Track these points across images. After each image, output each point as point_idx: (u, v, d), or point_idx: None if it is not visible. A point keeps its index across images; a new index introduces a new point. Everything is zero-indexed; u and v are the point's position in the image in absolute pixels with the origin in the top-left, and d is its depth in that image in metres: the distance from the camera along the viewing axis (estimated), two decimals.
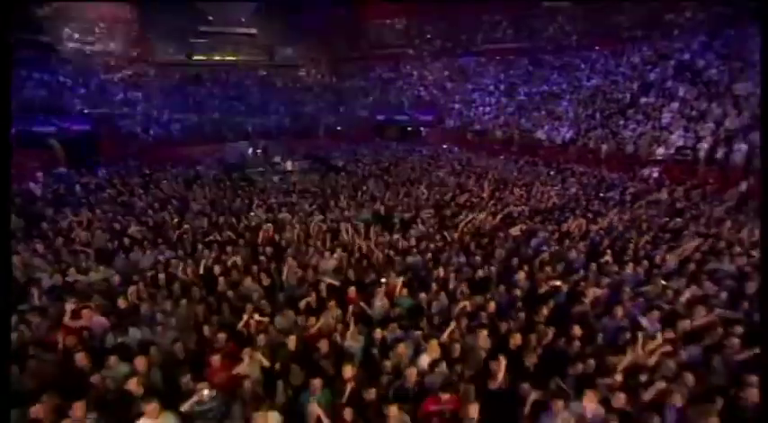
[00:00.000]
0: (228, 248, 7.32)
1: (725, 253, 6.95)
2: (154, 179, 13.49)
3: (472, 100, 29.11)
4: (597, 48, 27.31)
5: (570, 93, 24.19)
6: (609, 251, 7.02)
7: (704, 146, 15.33)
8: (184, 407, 3.53)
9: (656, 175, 14.68)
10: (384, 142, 25.91)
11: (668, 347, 4.30)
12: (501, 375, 3.96)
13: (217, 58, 31.89)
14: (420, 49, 35.38)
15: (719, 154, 14.88)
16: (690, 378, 3.87)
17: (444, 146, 24.45)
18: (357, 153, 20.42)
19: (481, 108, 28.10)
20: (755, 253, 6.94)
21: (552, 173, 15.40)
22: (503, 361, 4.01)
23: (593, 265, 6.43)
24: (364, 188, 12.68)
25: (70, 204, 10.18)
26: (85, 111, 22.95)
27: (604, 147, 17.79)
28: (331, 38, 34.65)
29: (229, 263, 6.63)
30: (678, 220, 8.99)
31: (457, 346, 4.41)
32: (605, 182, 13.66)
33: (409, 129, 29.40)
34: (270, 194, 11.71)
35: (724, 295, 5.58)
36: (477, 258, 6.79)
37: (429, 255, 6.99)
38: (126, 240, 7.77)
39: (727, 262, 6.61)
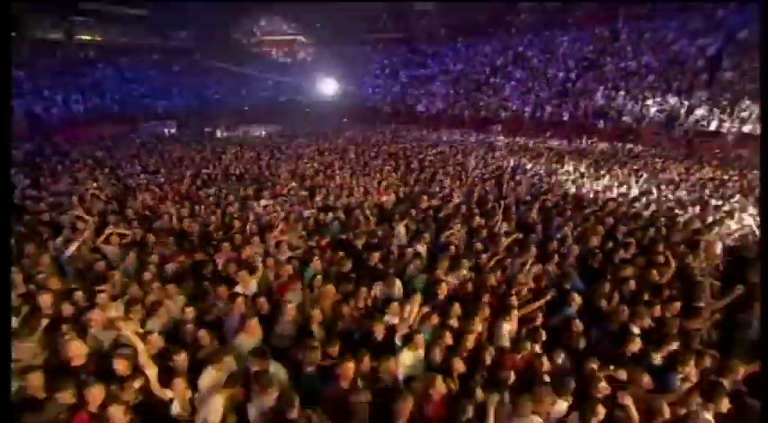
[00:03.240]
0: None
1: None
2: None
3: (363, 82, 34.52)
4: (460, 39, 34.77)
5: (441, 74, 31.05)
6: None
7: (528, 110, 22.99)
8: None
9: (499, 129, 21.76)
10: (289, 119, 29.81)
11: None
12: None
13: (101, 38, 31.93)
14: (310, 37, 39.58)
15: (538, 114, 22.61)
16: None
17: (344, 120, 29.41)
18: (272, 127, 24.24)
19: (370, 89, 33.69)
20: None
21: (426, 133, 21.51)
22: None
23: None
24: (294, 143, 16.99)
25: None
26: None
27: (466, 113, 24.69)
28: (223, 23, 36.80)
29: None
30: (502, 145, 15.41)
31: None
32: (462, 136, 20.11)
33: (307, 110, 33.57)
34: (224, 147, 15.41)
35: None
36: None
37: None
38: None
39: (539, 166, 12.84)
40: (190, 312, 4.06)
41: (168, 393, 3.13)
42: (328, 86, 34.02)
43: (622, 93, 20.92)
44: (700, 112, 17.46)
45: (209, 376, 3.19)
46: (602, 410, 2.72)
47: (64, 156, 15.03)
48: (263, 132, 21.61)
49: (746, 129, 14.85)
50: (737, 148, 13.78)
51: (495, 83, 27.36)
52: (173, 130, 24.62)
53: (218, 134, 20.24)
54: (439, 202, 7.95)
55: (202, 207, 7.54)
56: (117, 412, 2.78)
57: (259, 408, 2.87)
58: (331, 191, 8.64)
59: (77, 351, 3.27)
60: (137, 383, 3.05)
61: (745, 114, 15.22)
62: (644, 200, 8.01)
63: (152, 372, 3.11)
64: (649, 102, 19.39)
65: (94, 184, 9.07)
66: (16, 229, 6.33)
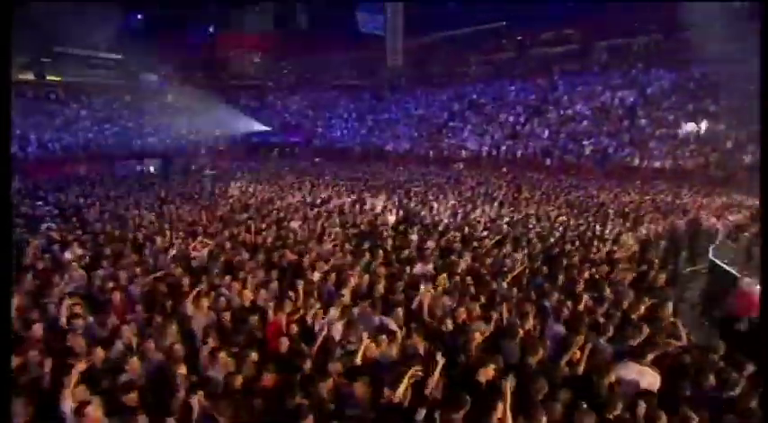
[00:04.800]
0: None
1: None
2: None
3: (332, 125, 37.39)
4: (419, 87, 38.78)
5: (405, 118, 34.53)
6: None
7: (485, 149, 26.53)
8: None
9: (461, 166, 24.96)
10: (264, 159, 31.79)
11: None
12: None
13: (76, 79, 32.92)
14: (279, 82, 42.44)
15: (494, 153, 26.14)
16: None
17: (317, 160, 31.77)
18: (251, 166, 26.14)
19: (339, 132, 36.56)
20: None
21: (398, 170, 24.29)
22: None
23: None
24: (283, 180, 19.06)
25: None
26: None
27: (431, 153, 27.91)
28: (195, 67, 38.90)
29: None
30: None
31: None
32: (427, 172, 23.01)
33: (276, 149, 35.72)
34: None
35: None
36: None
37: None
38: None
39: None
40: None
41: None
42: (299, 128, 36.62)
43: (563, 135, 24.96)
44: (625, 151, 21.53)
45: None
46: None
47: (65, 191, 16.20)
48: (246, 170, 23.40)
49: (657, 164, 18.90)
50: (653, 179, 17.50)
51: (453, 126, 31.04)
52: (152, 169, 25.96)
53: (206, 171, 21.80)
54: (432, 220, 10.37)
55: (239, 227, 9.44)
56: (292, 323, 4.79)
57: None
58: (345, 214, 10.84)
59: (247, 297, 5.30)
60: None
61: (656, 153, 19.33)
62: (584, 215, 10.86)
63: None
64: (585, 142, 23.39)
65: (136, 212, 10.74)
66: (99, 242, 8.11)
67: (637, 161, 20.58)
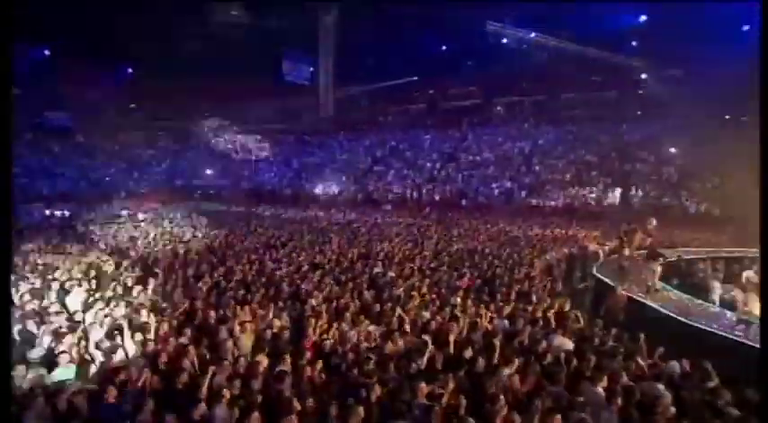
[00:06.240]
0: None
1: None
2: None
3: (258, 168, 38.33)
4: (342, 132, 41.58)
5: (330, 162, 36.78)
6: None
7: (408, 192, 29.60)
8: None
9: (389, 207, 27.58)
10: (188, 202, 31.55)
11: None
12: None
13: None
14: (200, 124, 42.53)
15: (416, 195, 29.27)
16: None
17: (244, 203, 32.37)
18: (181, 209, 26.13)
19: (267, 174, 37.63)
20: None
21: (332, 212, 26.15)
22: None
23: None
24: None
25: None
26: None
27: (359, 195, 30.31)
28: (108, 107, 37.65)
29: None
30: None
31: None
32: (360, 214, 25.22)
33: (199, 192, 35.51)
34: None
35: None
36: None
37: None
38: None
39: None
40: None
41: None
42: (224, 171, 36.92)
43: (475, 179, 29.01)
44: (523, 193, 25.91)
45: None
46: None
47: None
48: (179, 214, 23.50)
49: (552, 203, 23.43)
50: (550, 216, 21.65)
51: (378, 170, 33.94)
52: (66, 213, 24.61)
53: (140, 216, 21.63)
54: (385, 255, 12.45)
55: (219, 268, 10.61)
56: (323, 334, 6.42)
57: None
58: (309, 253, 12.47)
59: (276, 323, 6.81)
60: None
61: (550, 194, 23.95)
62: (503, 247, 13.76)
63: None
64: (493, 185, 27.53)
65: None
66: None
67: (534, 201, 24.96)
